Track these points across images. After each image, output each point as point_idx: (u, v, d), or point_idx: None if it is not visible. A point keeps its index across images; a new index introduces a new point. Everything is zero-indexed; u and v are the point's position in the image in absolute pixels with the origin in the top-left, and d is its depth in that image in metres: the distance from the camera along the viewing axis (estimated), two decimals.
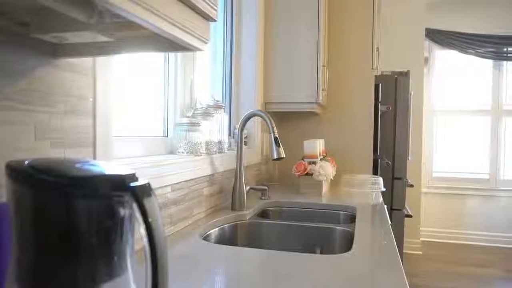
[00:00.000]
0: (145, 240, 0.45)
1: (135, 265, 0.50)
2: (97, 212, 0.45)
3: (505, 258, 4.03)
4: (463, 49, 4.66)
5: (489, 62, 4.73)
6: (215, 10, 0.68)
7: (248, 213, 1.57)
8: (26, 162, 0.44)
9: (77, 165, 0.46)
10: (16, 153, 0.66)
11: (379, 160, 2.89)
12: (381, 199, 1.99)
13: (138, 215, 0.45)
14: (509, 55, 4.61)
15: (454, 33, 4.61)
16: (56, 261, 0.44)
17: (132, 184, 0.45)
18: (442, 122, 4.80)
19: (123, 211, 0.46)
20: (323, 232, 1.45)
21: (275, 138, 1.51)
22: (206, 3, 0.64)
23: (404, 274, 0.92)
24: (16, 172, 0.44)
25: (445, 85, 4.87)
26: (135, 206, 0.45)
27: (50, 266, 0.44)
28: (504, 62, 4.70)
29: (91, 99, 0.85)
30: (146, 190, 0.46)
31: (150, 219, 0.45)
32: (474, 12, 4.59)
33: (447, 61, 4.88)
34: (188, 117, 1.45)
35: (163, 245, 0.45)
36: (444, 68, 4.91)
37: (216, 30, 2.03)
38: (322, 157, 2.25)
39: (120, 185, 0.45)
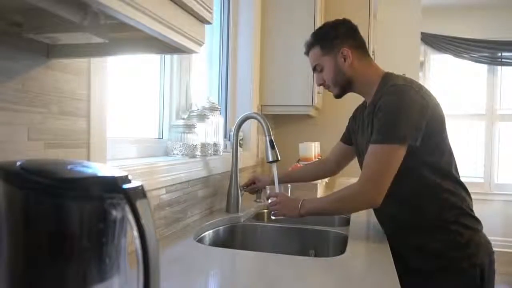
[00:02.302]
0: (137, 242, 0.45)
1: (127, 267, 0.50)
2: (89, 214, 0.44)
3: (500, 262, 4.05)
4: (458, 54, 4.69)
5: (484, 67, 4.76)
6: (210, 12, 0.68)
7: (243, 215, 1.56)
8: (18, 163, 0.44)
9: (69, 167, 0.46)
10: (8, 153, 0.66)
11: None
12: None
13: (130, 217, 0.45)
14: (503, 60, 4.64)
15: (449, 37, 4.63)
16: (47, 262, 0.43)
17: (124, 186, 0.45)
18: None
19: (115, 213, 0.46)
20: (317, 235, 1.45)
21: (270, 141, 1.52)
22: (201, 5, 0.64)
23: (397, 277, 0.92)
24: (8, 173, 0.44)
25: (440, 89, 4.89)
26: (127, 208, 0.45)
27: (41, 267, 0.43)
28: (499, 67, 4.72)
29: (85, 100, 0.84)
30: (139, 192, 0.46)
31: (142, 222, 0.44)
32: (469, 17, 4.62)
33: (442, 65, 4.91)
34: (183, 119, 1.45)
35: (155, 247, 0.45)
36: (439, 72, 4.94)
37: (213, 32, 2.04)
38: (317, 160, 2.26)
39: (113, 187, 0.45)
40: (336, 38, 1.34)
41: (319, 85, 1.43)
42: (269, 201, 1.42)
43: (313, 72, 1.43)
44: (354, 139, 1.47)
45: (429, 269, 1.24)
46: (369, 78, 1.33)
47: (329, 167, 1.72)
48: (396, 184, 1.18)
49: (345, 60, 1.32)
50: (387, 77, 1.30)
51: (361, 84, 1.35)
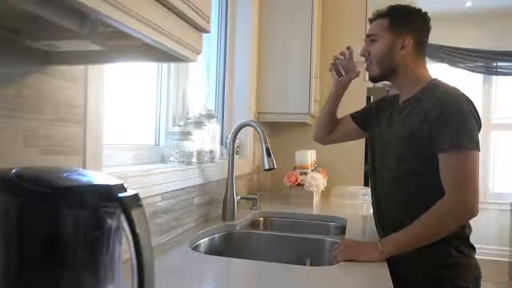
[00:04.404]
0: (132, 251, 0.44)
1: (121, 276, 0.50)
2: (84, 223, 0.44)
3: (495, 271, 4.05)
4: (453, 63, 4.73)
5: (479, 76, 4.81)
6: (208, 21, 0.68)
7: (238, 223, 1.56)
8: (14, 171, 0.44)
9: (65, 175, 0.46)
10: (3, 160, 0.65)
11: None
12: (371, 210, 1.99)
13: (125, 226, 0.45)
14: (498, 70, 4.69)
15: (445, 47, 4.67)
16: (42, 270, 0.43)
17: (120, 195, 0.45)
18: None
19: (110, 222, 0.46)
20: (313, 244, 1.45)
21: (267, 149, 1.52)
22: (199, 14, 0.65)
23: (393, 286, 0.92)
24: (3, 180, 0.44)
25: None
26: (122, 217, 0.45)
27: (35, 275, 0.43)
28: (494, 77, 4.77)
29: (81, 107, 0.84)
30: (134, 201, 0.46)
31: (137, 230, 0.44)
32: (465, 27, 4.67)
33: (438, 74, 4.93)
34: (180, 126, 1.45)
35: (150, 257, 0.45)
36: None
37: (210, 39, 2.04)
38: (313, 168, 2.26)
39: (108, 195, 0.45)
40: (409, 24, 1.30)
41: (362, 55, 1.37)
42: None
43: (365, 40, 1.37)
44: (372, 127, 1.44)
45: (416, 281, 1.23)
46: (414, 77, 1.31)
47: (329, 129, 1.61)
48: (414, 190, 1.18)
49: (402, 48, 1.29)
50: (437, 82, 1.30)
51: (404, 79, 1.32)
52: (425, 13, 1.34)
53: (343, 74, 1.46)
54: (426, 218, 1.14)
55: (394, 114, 1.36)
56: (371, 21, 1.37)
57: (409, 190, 1.24)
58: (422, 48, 1.34)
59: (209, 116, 1.56)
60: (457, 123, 1.16)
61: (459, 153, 1.15)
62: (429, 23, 1.34)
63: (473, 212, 1.15)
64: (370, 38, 1.34)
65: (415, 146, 1.22)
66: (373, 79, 1.37)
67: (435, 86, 1.28)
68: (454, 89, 1.27)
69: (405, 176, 1.25)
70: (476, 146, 1.15)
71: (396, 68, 1.31)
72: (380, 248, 1.13)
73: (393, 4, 1.36)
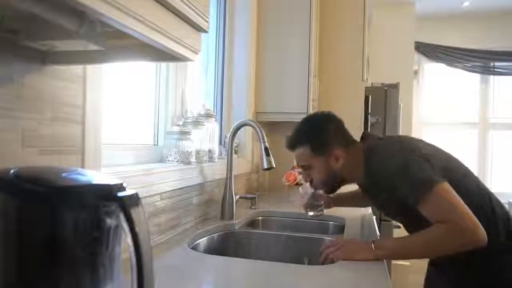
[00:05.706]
0: (131, 250, 0.44)
1: (120, 275, 0.50)
2: (84, 222, 0.44)
3: None
4: (451, 63, 4.75)
5: (477, 76, 4.82)
6: (207, 21, 0.68)
7: (237, 223, 1.56)
8: (12, 171, 0.44)
9: (64, 174, 0.46)
10: (2, 160, 0.65)
11: None
12: (370, 210, 1.99)
13: (125, 225, 0.45)
14: (496, 69, 4.71)
15: (443, 47, 4.69)
16: (41, 271, 0.43)
17: (119, 194, 0.45)
18: (431, 134, 4.86)
19: (110, 221, 0.46)
20: (311, 243, 1.45)
21: (265, 148, 1.52)
22: (197, 14, 0.65)
23: (391, 285, 0.92)
24: (2, 181, 0.44)
25: (434, 97, 4.94)
26: (122, 216, 0.45)
27: (35, 276, 0.43)
28: (491, 77, 4.79)
29: (80, 107, 0.84)
30: (134, 200, 0.46)
31: (136, 229, 0.44)
32: (462, 27, 4.68)
33: (436, 74, 4.95)
34: (178, 125, 1.45)
35: (149, 256, 0.45)
36: (433, 81, 4.99)
37: (209, 39, 2.04)
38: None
39: (107, 195, 0.45)
40: (328, 140, 1.30)
41: (307, 182, 1.39)
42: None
43: (299, 167, 1.39)
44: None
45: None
46: (357, 165, 1.27)
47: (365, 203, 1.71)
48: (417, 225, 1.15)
49: (337, 160, 1.29)
50: (369, 151, 1.26)
51: (352, 175, 1.31)
52: (328, 114, 1.35)
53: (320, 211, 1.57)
54: (419, 234, 1.13)
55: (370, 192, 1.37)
56: (292, 149, 1.37)
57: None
58: (349, 140, 1.33)
59: (208, 115, 1.56)
60: (405, 178, 1.14)
61: (425, 199, 1.11)
62: (337, 119, 1.35)
63: (475, 236, 1.07)
64: (304, 167, 1.35)
65: (406, 209, 1.19)
66: (331, 193, 1.41)
67: (370, 158, 1.24)
68: (384, 145, 1.26)
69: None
70: (434, 181, 1.10)
71: (343, 177, 1.32)
72: (373, 249, 1.12)
73: (298, 123, 1.38)
